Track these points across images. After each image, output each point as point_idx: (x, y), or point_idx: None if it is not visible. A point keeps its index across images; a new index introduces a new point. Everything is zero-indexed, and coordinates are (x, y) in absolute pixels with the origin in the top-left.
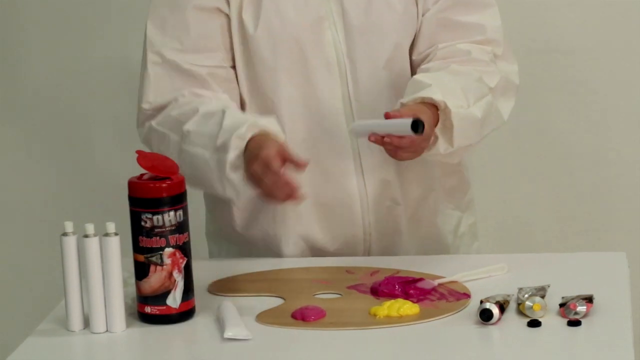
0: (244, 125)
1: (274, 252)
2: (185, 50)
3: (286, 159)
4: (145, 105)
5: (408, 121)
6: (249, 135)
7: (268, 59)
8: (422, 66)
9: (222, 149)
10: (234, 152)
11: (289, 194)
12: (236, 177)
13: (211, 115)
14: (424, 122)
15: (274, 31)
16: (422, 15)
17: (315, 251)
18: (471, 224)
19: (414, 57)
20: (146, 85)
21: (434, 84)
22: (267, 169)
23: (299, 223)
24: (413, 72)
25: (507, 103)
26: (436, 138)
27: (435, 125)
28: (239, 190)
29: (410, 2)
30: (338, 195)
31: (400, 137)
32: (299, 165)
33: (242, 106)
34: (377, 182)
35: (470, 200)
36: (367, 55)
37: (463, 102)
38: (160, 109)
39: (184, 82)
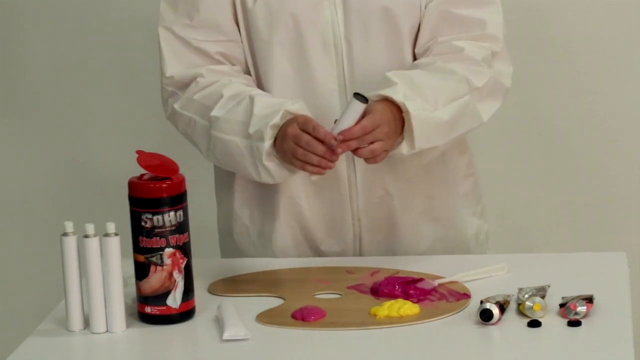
0: (277, 114)
1: (267, 233)
2: (194, 25)
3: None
4: (164, 81)
5: (355, 103)
6: (282, 124)
7: (264, 32)
8: (415, 62)
9: (256, 137)
10: (269, 141)
11: (325, 153)
12: (271, 164)
13: (238, 101)
14: (363, 94)
15: (271, 6)
16: (425, 7)
17: (306, 232)
18: (487, 232)
19: (416, 50)
20: (161, 62)
21: (401, 83)
22: (305, 127)
23: (290, 202)
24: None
25: (491, 104)
26: (401, 139)
27: (403, 126)
28: (274, 175)
29: None
30: (326, 177)
31: (350, 128)
32: (326, 141)
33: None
34: (368, 168)
35: (484, 207)
36: (365, 38)
37: (429, 104)
38: (181, 87)
39: (196, 59)
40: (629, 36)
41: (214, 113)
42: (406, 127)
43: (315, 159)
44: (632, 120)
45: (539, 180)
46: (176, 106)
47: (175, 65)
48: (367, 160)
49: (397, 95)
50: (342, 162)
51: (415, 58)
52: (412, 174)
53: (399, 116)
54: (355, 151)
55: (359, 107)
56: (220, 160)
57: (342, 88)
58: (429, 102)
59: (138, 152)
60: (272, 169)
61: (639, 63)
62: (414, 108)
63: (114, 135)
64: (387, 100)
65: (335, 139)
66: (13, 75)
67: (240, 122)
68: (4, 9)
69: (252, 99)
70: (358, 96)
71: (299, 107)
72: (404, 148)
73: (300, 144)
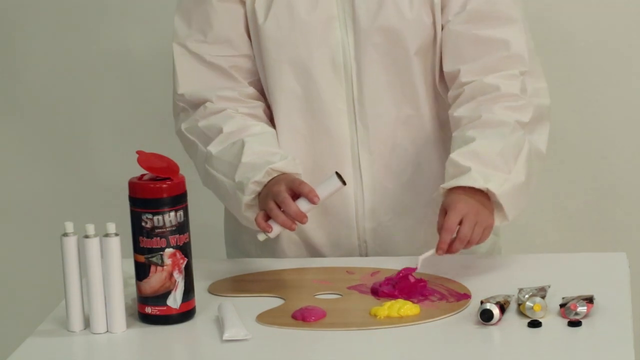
0: (261, 171)
1: (270, 246)
2: (208, 41)
3: (296, 193)
4: (176, 97)
5: (334, 179)
6: (266, 181)
7: (273, 50)
8: (454, 114)
9: (239, 187)
10: (250, 195)
11: (295, 215)
12: (250, 214)
13: (233, 142)
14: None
15: (281, 24)
16: (444, 26)
17: (312, 251)
18: (500, 246)
19: (444, 70)
20: (175, 78)
21: (473, 166)
22: (291, 185)
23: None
24: (447, 83)
25: (543, 132)
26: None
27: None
28: (253, 225)
29: (424, 11)
30: (333, 197)
31: (442, 235)
32: (310, 199)
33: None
34: (376, 190)
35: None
36: (374, 59)
37: (503, 172)
38: (192, 105)
39: (209, 74)
40: (631, 35)
41: (210, 148)
42: (495, 204)
43: (280, 219)
44: (632, 120)
45: (538, 181)
46: (183, 127)
47: (188, 83)
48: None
49: (478, 183)
50: (350, 185)
51: (446, 80)
52: (423, 195)
53: (479, 193)
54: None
55: (335, 184)
56: (213, 192)
57: (351, 108)
58: (502, 170)
59: (138, 152)
60: (250, 219)
61: (639, 63)
62: (496, 186)
63: (114, 136)
64: (463, 187)
65: (306, 217)
66: (13, 76)
67: (229, 163)
68: (4, 9)
69: (243, 144)
70: (338, 176)
71: (284, 164)
72: (497, 221)
73: (276, 200)
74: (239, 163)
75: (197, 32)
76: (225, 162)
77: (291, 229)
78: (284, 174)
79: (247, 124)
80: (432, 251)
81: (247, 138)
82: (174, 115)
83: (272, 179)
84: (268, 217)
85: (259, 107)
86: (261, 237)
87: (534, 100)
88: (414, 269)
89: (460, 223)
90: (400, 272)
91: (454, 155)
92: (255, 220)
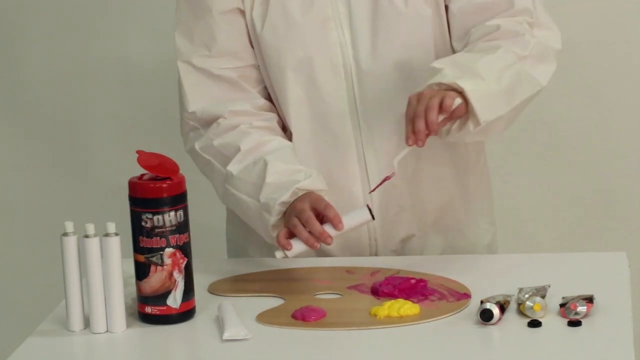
0: (288, 191)
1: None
2: (213, 55)
3: (319, 212)
4: (185, 115)
5: (364, 210)
6: (292, 200)
7: (274, 57)
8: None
9: (265, 207)
10: (277, 217)
11: (319, 234)
12: (277, 234)
13: (253, 161)
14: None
15: (278, 30)
16: (448, 9)
17: (322, 255)
18: (497, 245)
19: (456, 50)
20: (182, 96)
21: (446, 68)
22: (317, 205)
23: None
24: None
25: (545, 68)
26: (466, 118)
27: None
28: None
29: (421, 4)
30: (342, 198)
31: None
32: (334, 225)
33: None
34: (383, 187)
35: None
36: (374, 57)
37: (481, 79)
38: (203, 123)
39: (218, 88)
40: (631, 35)
41: (230, 168)
42: (468, 106)
43: (304, 235)
44: (632, 120)
45: (539, 181)
46: (196, 146)
47: (198, 101)
48: (442, 111)
49: (447, 78)
50: (357, 184)
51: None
52: (425, 184)
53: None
54: (427, 121)
55: (364, 216)
56: (234, 211)
57: (353, 108)
58: (481, 77)
59: (138, 152)
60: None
61: (639, 63)
62: (467, 85)
63: (114, 136)
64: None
65: (331, 238)
66: (13, 75)
67: (253, 184)
68: (4, 9)
69: (265, 164)
70: (369, 209)
71: (310, 182)
72: (470, 126)
73: (300, 218)
74: (263, 183)
75: (200, 47)
76: (248, 183)
77: (314, 248)
78: (309, 192)
79: (263, 139)
80: (405, 150)
81: (268, 156)
82: (182, 134)
83: (297, 197)
84: (290, 235)
85: (272, 119)
86: (279, 254)
87: (540, 40)
88: (392, 174)
89: None
90: (383, 179)
91: (432, 63)
92: (277, 237)
